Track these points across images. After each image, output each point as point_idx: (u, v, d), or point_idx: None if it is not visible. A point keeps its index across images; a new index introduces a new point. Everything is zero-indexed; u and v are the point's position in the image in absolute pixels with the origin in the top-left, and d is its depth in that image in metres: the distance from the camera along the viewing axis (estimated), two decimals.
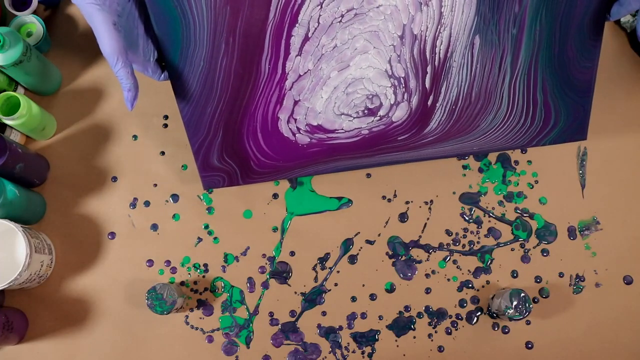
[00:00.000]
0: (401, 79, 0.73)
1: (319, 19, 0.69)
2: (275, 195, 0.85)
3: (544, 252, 0.82)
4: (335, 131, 0.76)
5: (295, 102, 0.74)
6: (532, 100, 0.76)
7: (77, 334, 0.82)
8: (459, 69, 0.72)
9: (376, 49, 0.71)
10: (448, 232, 0.83)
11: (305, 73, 0.72)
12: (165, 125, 0.87)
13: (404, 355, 0.81)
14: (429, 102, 0.74)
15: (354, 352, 0.81)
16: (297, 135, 0.76)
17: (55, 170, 0.86)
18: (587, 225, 0.83)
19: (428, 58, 0.72)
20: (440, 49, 0.71)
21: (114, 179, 0.86)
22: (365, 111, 0.74)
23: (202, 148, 0.76)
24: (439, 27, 0.70)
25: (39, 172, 0.84)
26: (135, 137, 0.87)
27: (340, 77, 0.72)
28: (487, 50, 0.72)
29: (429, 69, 0.72)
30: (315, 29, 0.69)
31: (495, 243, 0.83)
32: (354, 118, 0.75)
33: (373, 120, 0.75)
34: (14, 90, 0.86)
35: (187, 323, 0.82)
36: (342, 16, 0.69)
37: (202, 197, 0.85)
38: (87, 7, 0.60)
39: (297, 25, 0.69)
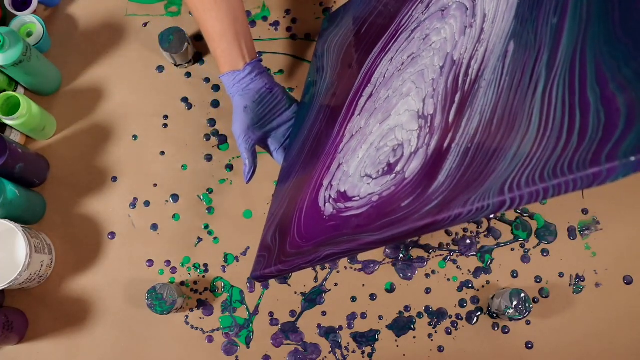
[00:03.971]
0: (429, 117, 0.61)
1: (385, 73, 0.66)
2: None
3: (544, 252, 0.82)
4: (352, 199, 0.64)
5: (339, 166, 0.67)
6: (580, 102, 0.50)
7: (77, 334, 0.82)
8: (487, 89, 0.58)
9: (418, 88, 0.63)
10: (448, 232, 0.83)
11: (357, 132, 0.67)
12: (165, 125, 0.87)
13: (404, 355, 0.81)
14: (446, 143, 0.59)
15: (354, 352, 0.81)
16: (326, 204, 0.66)
17: (55, 170, 0.86)
18: (587, 225, 0.83)
19: (460, 82, 0.60)
20: (473, 69, 0.60)
21: (114, 179, 0.86)
22: (385, 168, 0.63)
23: (271, 224, 0.69)
24: (477, 44, 0.60)
25: (39, 172, 0.84)
26: (135, 137, 0.87)
27: (379, 130, 0.65)
28: (519, 55, 0.56)
29: (457, 97, 0.60)
30: (380, 84, 0.66)
31: (495, 243, 0.83)
32: (373, 179, 0.63)
33: (387, 181, 0.62)
34: (14, 90, 0.86)
35: (187, 323, 0.82)
36: (403, 64, 0.65)
37: (202, 197, 0.85)
38: (232, 92, 0.74)
39: (369, 85, 0.67)
